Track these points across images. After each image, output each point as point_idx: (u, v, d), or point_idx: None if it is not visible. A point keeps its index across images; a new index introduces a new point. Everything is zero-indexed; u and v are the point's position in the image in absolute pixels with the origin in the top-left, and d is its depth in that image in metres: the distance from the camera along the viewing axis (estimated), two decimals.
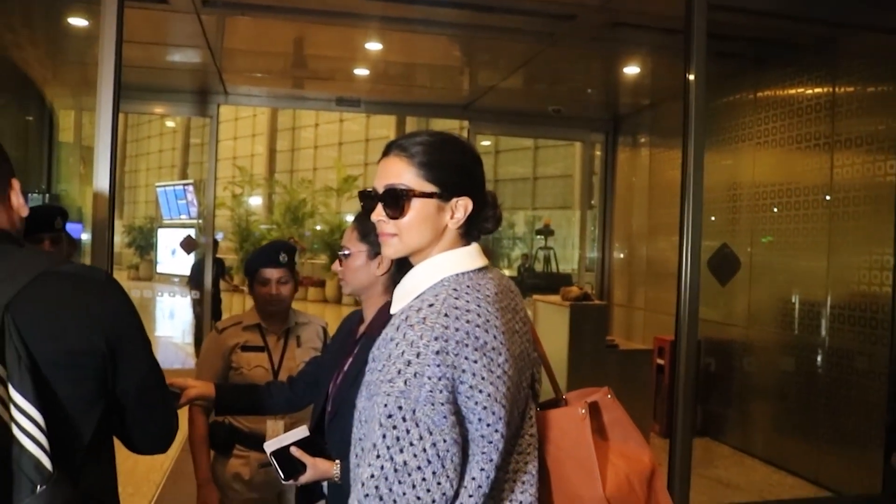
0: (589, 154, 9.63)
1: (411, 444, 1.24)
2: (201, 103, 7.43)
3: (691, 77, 4.11)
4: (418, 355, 1.26)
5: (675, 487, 3.98)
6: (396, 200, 1.43)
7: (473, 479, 1.29)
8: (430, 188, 1.43)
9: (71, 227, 3.41)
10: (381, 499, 1.23)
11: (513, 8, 5.13)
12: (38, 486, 1.23)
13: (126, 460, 1.63)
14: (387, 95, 7.89)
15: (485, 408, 1.28)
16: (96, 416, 1.42)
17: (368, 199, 1.50)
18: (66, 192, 7.90)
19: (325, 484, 1.92)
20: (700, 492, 4.55)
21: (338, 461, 1.85)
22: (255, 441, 2.81)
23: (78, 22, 5.57)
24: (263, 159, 30.81)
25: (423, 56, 6.47)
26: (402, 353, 1.28)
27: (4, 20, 5.58)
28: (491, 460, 1.30)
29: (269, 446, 1.86)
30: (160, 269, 23.09)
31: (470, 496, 1.29)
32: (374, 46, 6.02)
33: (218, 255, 10.60)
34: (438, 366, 1.25)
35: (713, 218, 6.58)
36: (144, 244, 25.95)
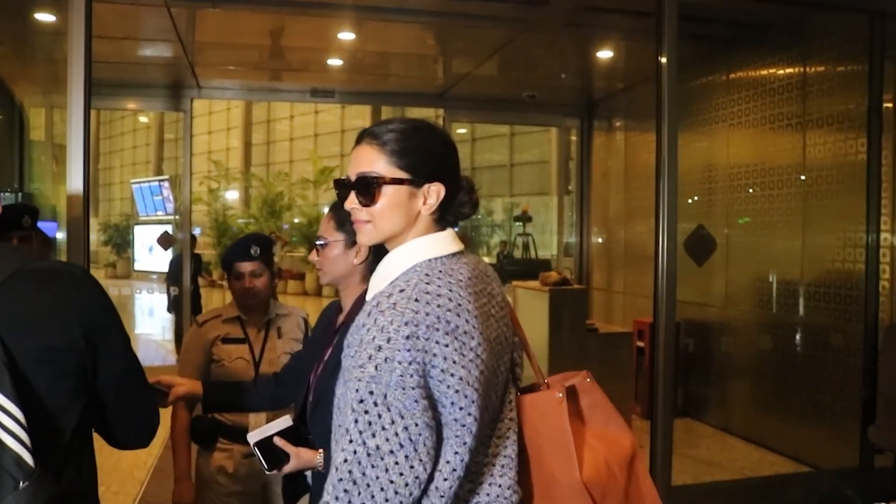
0: (565, 139, 9.67)
1: (383, 428, 1.25)
2: (174, 98, 7.38)
3: (663, 60, 4.13)
4: (388, 340, 1.27)
5: (657, 468, 4.03)
6: (368, 188, 1.44)
7: (448, 462, 1.30)
8: (401, 175, 1.44)
9: (46, 226, 3.38)
10: (354, 483, 1.24)
11: None
12: (21, 483, 1.23)
13: (109, 458, 1.64)
14: (361, 85, 7.87)
15: (457, 391, 1.29)
16: (77, 412, 1.42)
17: (342, 187, 1.50)
18: (39, 191, 7.82)
19: (308, 473, 1.93)
20: (682, 471, 4.61)
21: (321, 450, 1.86)
22: (239, 434, 2.81)
23: (45, 18, 5.50)
24: (239, 153, 30.59)
25: (397, 45, 6.45)
26: (373, 338, 1.28)
27: None
28: (465, 444, 1.31)
29: (253, 437, 1.86)
30: (138, 266, 22.93)
31: (445, 479, 1.30)
32: (347, 36, 5.99)
33: (196, 251, 10.55)
34: (409, 350, 1.26)
35: (689, 200, 6.63)
36: (121, 242, 25.75)
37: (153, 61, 6.76)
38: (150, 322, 15.70)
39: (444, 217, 1.50)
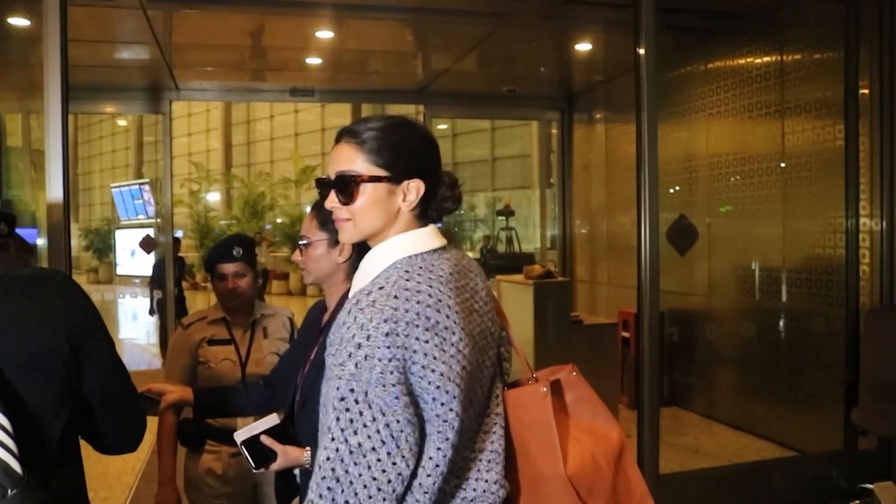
0: (545, 133, 9.69)
1: (365, 425, 1.25)
2: (153, 100, 7.34)
3: (642, 51, 4.15)
4: (368, 338, 1.27)
5: (644, 457, 4.05)
6: (347, 186, 1.45)
7: (430, 458, 1.31)
8: (379, 172, 1.44)
9: (26, 233, 3.35)
10: (337, 480, 1.25)
11: None
12: (9, 490, 1.23)
13: (97, 464, 1.63)
14: (341, 84, 7.85)
15: (438, 387, 1.29)
16: (63, 418, 1.42)
17: (323, 186, 1.51)
18: (18, 198, 7.75)
19: (297, 472, 1.93)
20: (670, 460, 4.65)
21: (308, 448, 1.86)
22: (227, 435, 2.80)
23: (19, 22, 5.45)
24: (219, 154, 30.45)
25: (376, 42, 6.44)
26: (353, 336, 1.28)
27: None
28: (447, 439, 1.31)
29: (240, 436, 1.86)
30: (120, 270, 22.73)
31: (428, 475, 1.31)
32: (325, 35, 5.97)
33: (179, 254, 10.55)
34: (388, 347, 1.27)
35: (670, 190, 6.67)
36: (102, 246, 25.53)
37: (130, 64, 6.71)
38: (134, 326, 15.59)
39: (425, 213, 1.50)
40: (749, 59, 5.86)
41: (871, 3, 4.73)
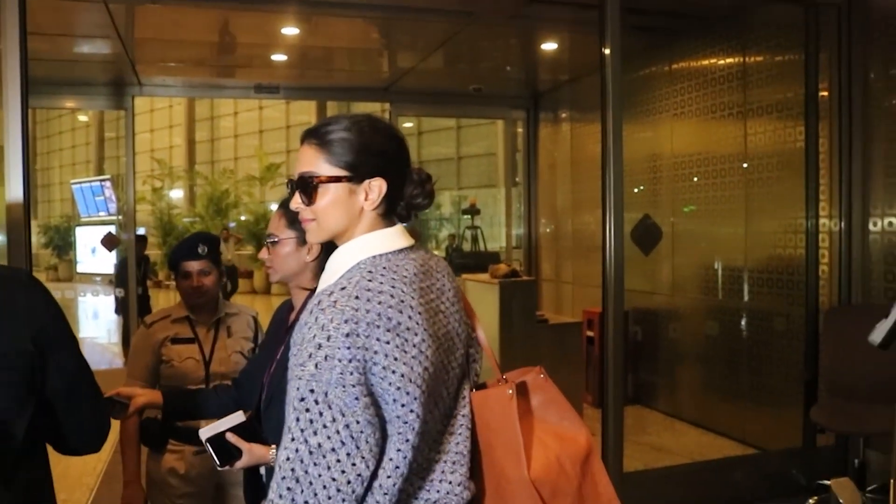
0: (511, 131, 9.73)
1: (325, 426, 1.25)
2: (115, 95, 7.23)
3: (607, 51, 4.19)
4: (328, 338, 1.27)
5: (609, 455, 4.09)
6: (308, 187, 1.46)
7: (391, 459, 1.31)
8: (339, 172, 1.45)
9: None
10: (297, 480, 1.25)
11: None
12: None
13: (56, 465, 1.61)
14: (306, 80, 7.81)
15: (398, 388, 1.30)
16: (27, 417, 1.41)
17: (290, 187, 1.52)
18: None
19: (263, 471, 1.92)
20: (634, 458, 4.69)
21: (273, 446, 1.85)
22: (189, 435, 2.79)
23: None
24: (182, 151, 30.07)
25: (342, 39, 6.41)
26: (314, 336, 1.28)
27: None
28: (407, 440, 1.32)
29: (205, 433, 1.84)
30: (80, 268, 22.39)
31: (388, 476, 1.31)
32: (290, 31, 5.93)
33: (145, 253, 10.44)
34: (349, 348, 1.27)
35: (635, 190, 6.72)
36: (62, 244, 25.13)
37: (92, 58, 6.61)
38: (95, 325, 15.38)
39: (392, 212, 1.51)
40: (712, 61, 5.93)
41: (829, 7, 4.81)
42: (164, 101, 28.63)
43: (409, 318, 1.34)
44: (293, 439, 1.27)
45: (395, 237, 1.48)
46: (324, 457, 1.25)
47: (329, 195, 1.45)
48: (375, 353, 1.28)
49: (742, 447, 5.51)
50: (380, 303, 1.32)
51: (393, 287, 1.36)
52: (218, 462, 1.83)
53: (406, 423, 1.31)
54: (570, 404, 1.62)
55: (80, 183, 25.20)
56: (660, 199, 6.52)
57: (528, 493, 1.44)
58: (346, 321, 1.28)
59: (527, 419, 1.53)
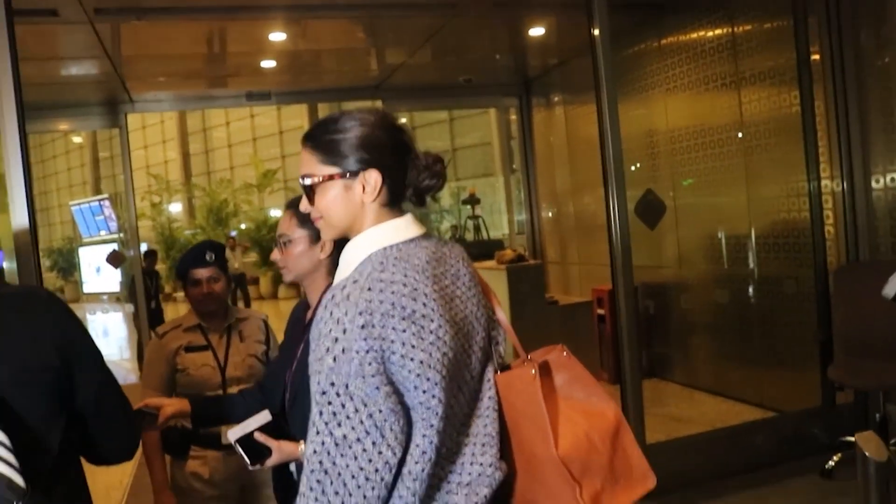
0: (504, 119, 9.73)
1: (348, 417, 1.27)
2: (108, 114, 7.24)
3: (596, 32, 4.19)
4: (344, 331, 1.29)
5: (630, 429, 4.10)
6: (308, 190, 1.51)
7: (417, 445, 1.33)
8: (331, 171, 1.48)
9: None
10: (325, 472, 1.28)
11: None
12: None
13: None
14: (296, 85, 7.82)
15: (418, 375, 1.31)
16: (59, 430, 1.44)
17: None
18: None
19: (293, 468, 1.93)
20: (655, 430, 4.70)
21: (302, 441, 1.86)
22: (210, 440, 2.84)
23: None
24: (177, 164, 30.04)
25: (328, 41, 6.42)
26: (330, 330, 1.30)
27: None
28: (432, 426, 1.33)
29: (234, 434, 1.86)
30: (86, 288, 22.47)
31: (416, 462, 1.32)
32: (278, 37, 5.93)
33: (155, 268, 10.55)
34: (365, 339, 1.28)
35: (633, 167, 6.72)
36: (66, 265, 25.17)
37: (82, 79, 6.63)
38: (106, 343, 15.41)
39: (397, 201, 1.52)
40: (701, 33, 5.92)
41: None
42: (155, 117, 28.59)
43: (424, 305, 1.35)
44: (318, 433, 1.29)
45: (404, 227, 1.49)
46: (350, 447, 1.27)
47: (327, 194, 1.48)
48: (392, 342, 1.30)
49: (761, 411, 5.51)
50: (393, 293, 1.33)
51: (405, 276, 1.37)
52: (249, 462, 1.85)
53: (429, 408, 1.32)
54: (595, 380, 1.62)
55: (78, 204, 25.19)
56: (659, 174, 6.51)
57: (559, 471, 1.44)
58: (360, 313, 1.30)
59: (552, 398, 1.53)
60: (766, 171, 5.43)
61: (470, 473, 1.42)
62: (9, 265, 3.24)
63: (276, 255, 2.06)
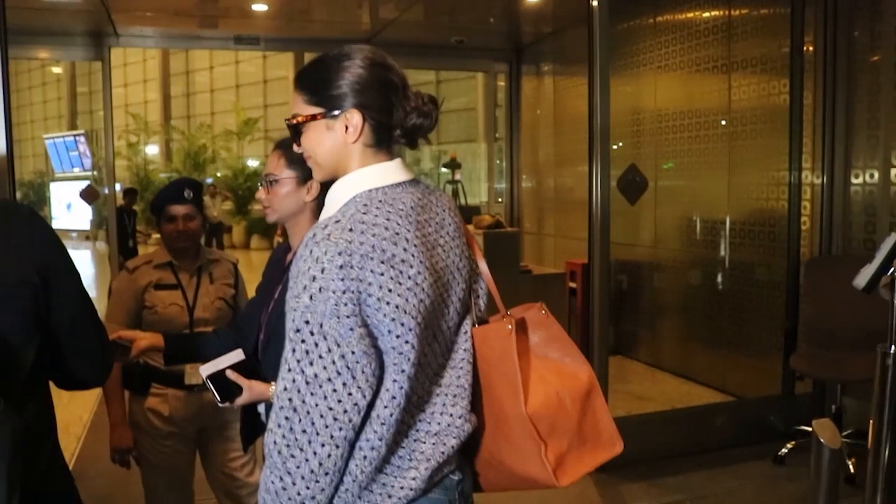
0: (492, 86, 9.66)
1: (320, 356, 1.27)
2: (91, 46, 7.09)
3: (594, 3, 4.15)
4: (322, 270, 1.28)
5: (602, 393, 4.14)
6: (293, 129, 1.51)
7: (387, 390, 1.33)
8: (312, 110, 1.47)
9: None
10: (294, 410, 1.28)
11: None
12: None
13: None
14: (286, 32, 7.70)
15: (392, 319, 1.31)
16: (34, 348, 1.42)
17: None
18: None
19: (262, 409, 1.93)
20: (616, 406, 4.76)
21: (273, 383, 1.86)
22: (172, 379, 2.85)
23: None
24: (157, 105, 29.56)
25: None
26: (308, 268, 1.30)
27: None
28: (402, 371, 1.33)
29: (205, 370, 1.85)
30: (56, 224, 22.13)
31: (385, 407, 1.33)
32: None
33: (133, 207, 10.47)
34: (342, 280, 1.28)
35: (615, 146, 6.72)
36: (36, 200, 24.81)
37: (67, 6, 6.47)
38: None
39: (383, 143, 1.49)
40: (697, 13, 5.91)
41: None
42: (137, 54, 28.10)
43: (405, 250, 1.34)
44: (290, 370, 1.29)
45: (391, 170, 1.48)
46: (320, 387, 1.27)
47: (311, 134, 1.48)
48: (370, 284, 1.29)
49: (722, 396, 5.61)
50: (374, 235, 1.32)
51: (388, 220, 1.36)
52: (219, 399, 1.84)
53: (401, 353, 1.32)
54: (571, 341, 1.62)
55: (53, 138, 24.79)
56: (642, 153, 6.52)
57: (526, 428, 1.45)
58: (339, 253, 1.29)
59: (526, 355, 1.54)
60: (749, 158, 5.46)
61: (439, 423, 1.43)
62: None
63: (261, 194, 2.03)
